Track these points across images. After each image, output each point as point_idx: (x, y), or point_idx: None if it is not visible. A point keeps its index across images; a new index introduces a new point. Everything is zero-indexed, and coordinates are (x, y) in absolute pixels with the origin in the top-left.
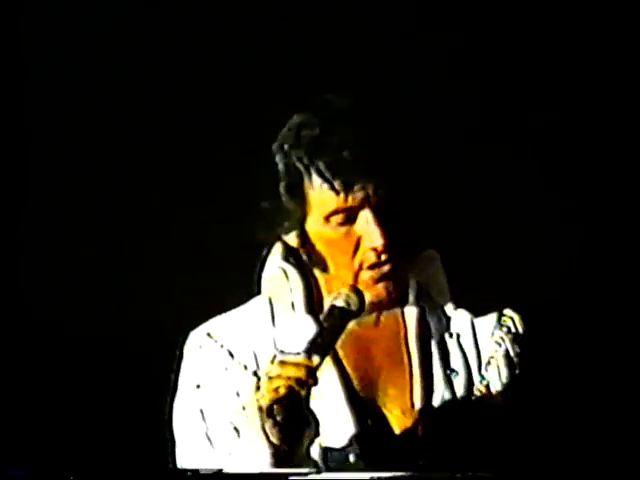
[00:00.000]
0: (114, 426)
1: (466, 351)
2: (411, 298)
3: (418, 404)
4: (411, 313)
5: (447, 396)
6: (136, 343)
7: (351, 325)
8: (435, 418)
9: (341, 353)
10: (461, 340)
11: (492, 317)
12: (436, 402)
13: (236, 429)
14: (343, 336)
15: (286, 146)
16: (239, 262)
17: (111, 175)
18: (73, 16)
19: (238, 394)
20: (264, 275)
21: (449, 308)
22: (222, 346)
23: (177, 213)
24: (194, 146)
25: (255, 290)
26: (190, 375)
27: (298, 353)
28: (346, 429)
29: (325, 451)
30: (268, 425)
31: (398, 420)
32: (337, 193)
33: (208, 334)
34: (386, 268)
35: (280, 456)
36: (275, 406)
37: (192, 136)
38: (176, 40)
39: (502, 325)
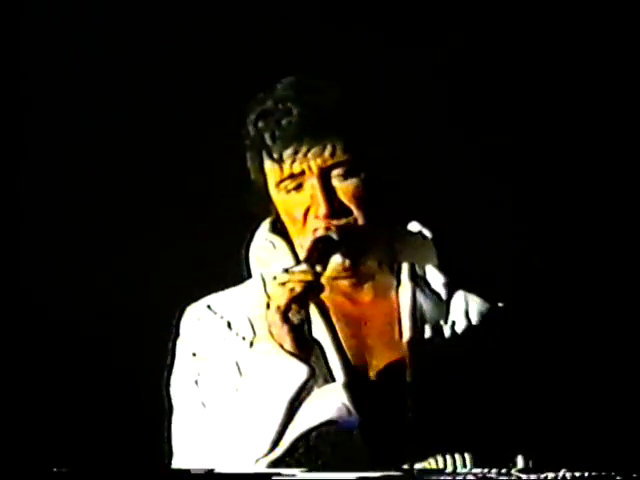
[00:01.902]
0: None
1: (461, 338)
2: (405, 278)
3: (409, 389)
4: (405, 295)
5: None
6: (134, 322)
7: (346, 303)
8: (424, 400)
9: (337, 327)
10: (456, 327)
11: (487, 314)
12: (426, 385)
13: (235, 391)
14: (338, 313)
15: (247, 120)
16: (236, 241)
17: (102, 157)
18: (70, 16)
19: (237, 364)
20: (252, 251)
21: (443, 292)
22: (222, 317)
23: (173, 195)
24: (188, 127)
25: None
26: (187, 345)
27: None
28: (320, 417)
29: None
30: (284, 332)
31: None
32: (274, 159)
33: (208, 306)
34: (335, 237)
35: (296, 382)
36: (293, 305)
37: (183, 118)
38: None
39: (496, 322)
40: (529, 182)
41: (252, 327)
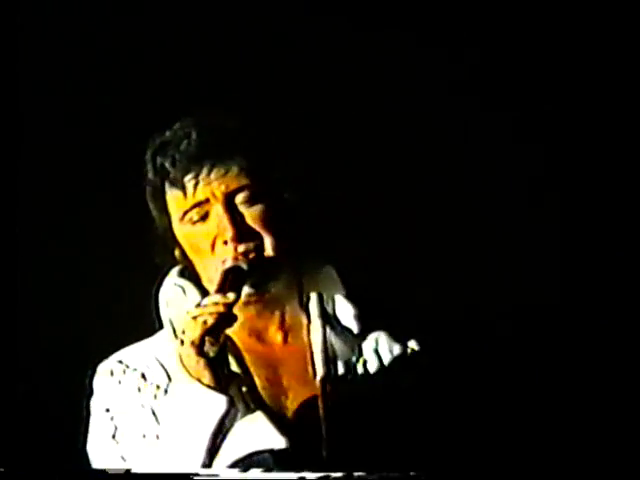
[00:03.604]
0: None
1: (373, 375)
2: (314, 315)
3: (323, 424)
4: (316, 334)
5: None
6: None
7: (258, 345)
8: (338, 435)
9: (252, 371)
10: (367, 365)
11: (396, 347)
12: (340, 421)
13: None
14: (251, 355)
15: (145, 159)
16: (146, 290)
17: None
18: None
19: (154, 412)
20: (161, 297)
21: (354, 327)
22: (135, 369)
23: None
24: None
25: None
26: (101, 401)
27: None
28: (248, 447)
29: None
30: (200, 367)
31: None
32: (177, 187)
33: (119, 361)
34: (244, 266)
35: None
36: (207, 338)
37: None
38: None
39: (406, 355)
40: (444, 198)
41: (167, 374)
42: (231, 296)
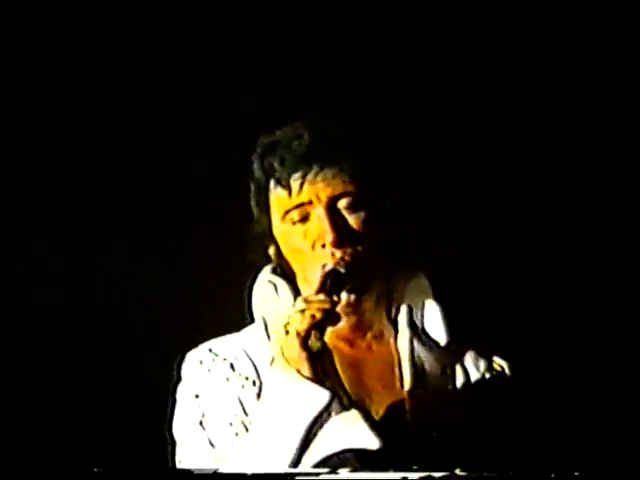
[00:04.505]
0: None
1: (458, 388)
2: (402, 325)
3: (407, 432)
4: (403, 343)
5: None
6: (136, 366)
7: (345, 346)
8: (423, 441)
9: (340, 371)
10: (453, 378)
11: (483, 360)
12: (425, 428)
13: (238, 432)
14: (337, 355)
15: (253, 156)
16: (236, 285)
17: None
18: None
19: (241, 402)
20: (254, 293)
21: (442, 341)
22: (224, 359)
23: (170, 237)
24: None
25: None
26: (190, 387)
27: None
28: (340, 444)
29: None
30: (302, 358)
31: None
32: (282, 186)
33: (210, 350)
34: (342, 270)
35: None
36: (313, 332)
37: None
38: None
39: (493, 369)
40: (537, 229)
41: (255, 367)
42: (336, 297)
